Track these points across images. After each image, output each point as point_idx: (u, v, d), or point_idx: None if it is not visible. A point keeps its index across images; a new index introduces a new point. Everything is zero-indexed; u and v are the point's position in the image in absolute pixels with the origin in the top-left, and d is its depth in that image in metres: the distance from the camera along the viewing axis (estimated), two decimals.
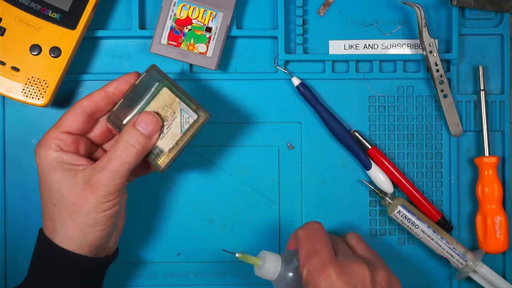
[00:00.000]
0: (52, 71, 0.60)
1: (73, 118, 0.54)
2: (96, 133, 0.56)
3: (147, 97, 0.55)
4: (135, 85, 0.55)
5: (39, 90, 0.60)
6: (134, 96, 0.55)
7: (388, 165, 0.64)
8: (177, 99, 0.54)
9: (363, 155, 0.64)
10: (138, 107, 0.55)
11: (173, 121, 0.55)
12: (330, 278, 0.50)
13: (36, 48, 0.60)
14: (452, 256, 0.63)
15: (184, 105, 0.55)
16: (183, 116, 0.54)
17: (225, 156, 0.65)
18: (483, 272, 0.64)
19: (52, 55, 0.60)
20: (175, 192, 0.65)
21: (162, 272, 0.66)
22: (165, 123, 0.55)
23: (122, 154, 0.52)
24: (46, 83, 0.60)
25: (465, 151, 0.66)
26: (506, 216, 0.64)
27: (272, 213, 0.66)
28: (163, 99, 0.55)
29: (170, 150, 0.55)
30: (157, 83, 0.54)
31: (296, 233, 0.57)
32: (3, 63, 0.59)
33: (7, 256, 0.64)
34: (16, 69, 0.59)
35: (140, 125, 0.53)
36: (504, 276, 0.66)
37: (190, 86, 0.64)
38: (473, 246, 0.66)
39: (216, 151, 0.65)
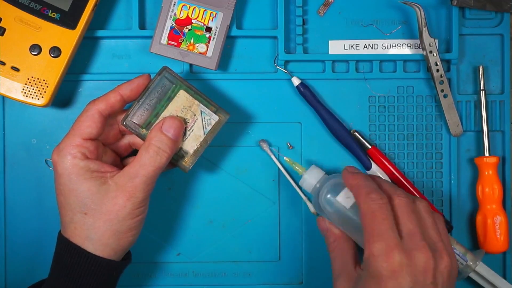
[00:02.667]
0: (52, 71, 0.60)
1: (93, 124, 0.54)
2: (108, 134, 0.57)
3: (162, 99, 0.56)
4: (148, 87, 0.56)
5: (39, 90, 0.60)
6: (148, 98, 0.56)
7: (388, 165, 0.64)
8: (196, 101, 0.56)
9: (363, 155, 0.64)
10: (154, 109, 0.56)
11: (195, 123, 0.56)
12: (393, 265, 0.48)
13: (36, 48, 0.59)
14: None
15: (204, 107, 0.56)
16: (204, 118, 0.56)
17: (225, 156, 0.65)
18: (483, 272, 0.63)
19: (52, 55, 0.60)
20: (175, 192, 0.65)
21: (162, 272, 0.66)
22: (186, 125, 0.56)
23: (155, 160, 0.53)
24: (46, 83, 0.60)
25: (465, 151, 0.66)
26: (506, 216, 0.64)
27: (272, 213, 0.65)
28: (181, 102, 0.56)
29: (194, 152, 0.56)
30: (172, 85, 0.56)
31: (353, 182, 0.54)
32: (3, 63, 0.59)
33: (7, 256, 0.64)
34: (16, 69, 0.59)
35: (167, 130, 0.54)
36: (504, 276, 0.66)
37: None
38: (473, 246, 0.66)
39: (216, 151, 0.65)
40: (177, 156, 0.56)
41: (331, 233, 0.58)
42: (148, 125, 0.56)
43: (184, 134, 0.56)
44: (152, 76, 0.57)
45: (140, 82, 0.55)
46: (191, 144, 0.56)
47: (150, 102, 0.56)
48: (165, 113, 0.56)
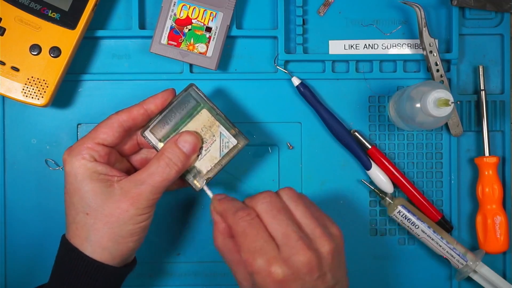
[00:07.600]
0: (52, 71, 0.60)
1: (110, 131, 0.54)
2: (125, 145, 0.57)
3: (184, 115, 0.56)
4: (172, 102, 0.56)
5: (39, 90, 0.60)
6: (170, 113, 0.56)
7: (388, 165, 0.64)
8: (217, 122, 0.56)
9: (363, 155, 0.64)
10: (175, 125, 0.56)
11: (212, 144, 0.56)
12: (277, 279, 0.48)
13: (36, 48, 0.60)
14: (452, 256, 0.63)
15: (224, 129, 0.56)
16: (222, 140, 0.56)
17: None
18: (483, 272, 0.64)
19: (52, 55, 0.60)
20: (175, 192, 0.65)
21: (162, 272, 0.66)
22: (203, 145, 0.56)
23: (164, 171, 0.53)
24: (46, 83, 0.60)
25: (465, 151, 0.66)
26: (506, 216, 0.64)
27: None
28: (203, 121, 0.56)
29: (207, 172, 0.56)
30: (195, 103, 0.56)
31: (220, 208, 0.53)
32: (3, 63, 0.59)
33: (7, 256, 0.64)
34: (16, 69, 0.59)
35: (182, 145, 0.54)
36: (504, 276, 0.66)
37: None
38: (473, 246, 0.66)
39: None
40: (189, 174, 0.56)
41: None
42: (166, 139, 0.56)
43: (200, 153, 0.56)
44: (178, 91, 0.57)
45: (165, 97, 0.56)
46: (205, 165, 0.56)
47: (172, 117, 0.56)
48: (185, 130, 0.56)
